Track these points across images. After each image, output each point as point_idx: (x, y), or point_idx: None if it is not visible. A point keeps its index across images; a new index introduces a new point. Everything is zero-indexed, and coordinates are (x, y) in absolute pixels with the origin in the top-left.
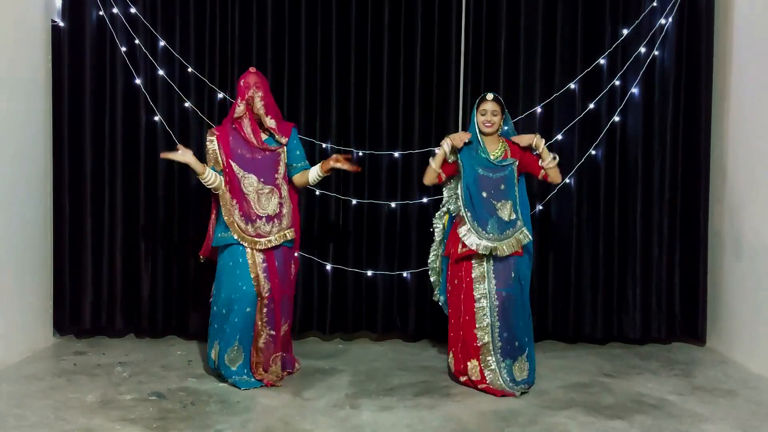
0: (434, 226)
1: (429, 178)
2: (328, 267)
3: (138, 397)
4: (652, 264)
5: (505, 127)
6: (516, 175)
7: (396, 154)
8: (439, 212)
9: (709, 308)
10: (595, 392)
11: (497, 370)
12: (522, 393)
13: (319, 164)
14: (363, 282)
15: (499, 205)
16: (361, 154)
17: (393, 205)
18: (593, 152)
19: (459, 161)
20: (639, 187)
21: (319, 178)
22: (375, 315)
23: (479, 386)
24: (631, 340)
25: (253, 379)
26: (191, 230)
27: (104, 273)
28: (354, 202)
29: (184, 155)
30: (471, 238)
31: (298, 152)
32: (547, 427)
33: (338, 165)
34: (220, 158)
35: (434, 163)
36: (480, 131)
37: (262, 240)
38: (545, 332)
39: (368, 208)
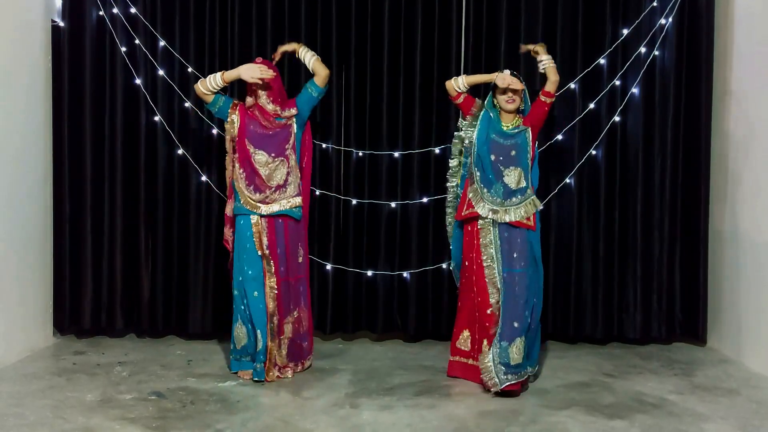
0: (448, 183)
1: (449, 86)
2: (328, 267)
3: (138, 396)
4: (652, 264)
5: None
6: (530, 143)
7: (396, 154)
8: (449, 171)
9: (709, 308)
10: (595, 392)
11: (491, 356)
12: (519, 381)
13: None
14: (363, 282)
15: (506, 171)
16: (361, 154)
17: (393, 205)
18: (593, 152)
19: (479, 116)
20: (639, 187)
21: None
22: (375, 315)
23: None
24: (631, 340)
25: (260, 369)
26: (191, 230)
27: (104, 273)
28: (354, 202)
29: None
30: (476, 199)
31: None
32: (547, 427)
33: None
34: (235, 128)
35: (467, 78)
36: (501, 108)
37: (265, 206)
38: (545, 332)
39: (368, 208)
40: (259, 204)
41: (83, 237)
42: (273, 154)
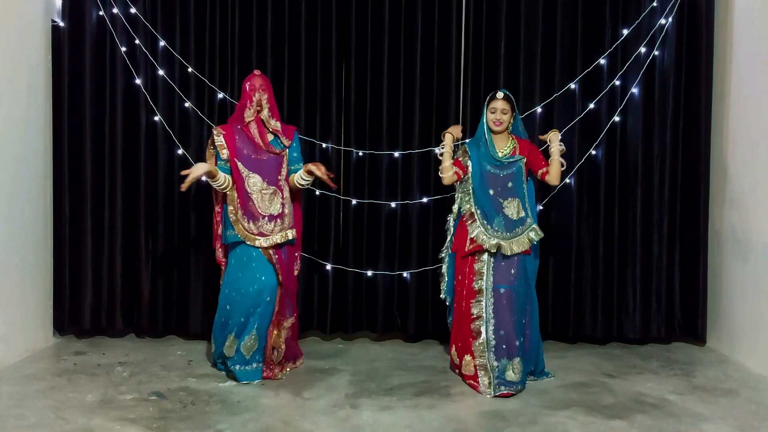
0: (447, 224)
1: (448, 179)
2: (328, 267)
3: (138, 396)
4: (652, 264)
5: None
6: (524, 172)
7: (396, 154)
8: (452, 212)
9: (709, 308)
10: (595, 392)
11: (489, 369)
12: (511, 392)
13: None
14: (363, 282)
15: (505, 203)
16: (361, 154)
17: (393, 205)
18: (593, 152)
19: (468, 158)
20: (639, 187)
21: (303, 181)
22: (375, 315)
23: (467, 381)
24: (631, 340)
25: (257, 368)
26: (191, 230)
27: (104, 273)
28: (354, 202)
29: (197, 170)
30: (480, 236)
31: (295, 154)
32: (547, 427)
33: (316, 171)
34: (226, 153)
35: (447, 162)
36: (489, 129)
37: (264, 239)
38: (545, 332)
39: (368, 208)
40: (257, 237)
41: (83, 237)
42: (267, 181)
